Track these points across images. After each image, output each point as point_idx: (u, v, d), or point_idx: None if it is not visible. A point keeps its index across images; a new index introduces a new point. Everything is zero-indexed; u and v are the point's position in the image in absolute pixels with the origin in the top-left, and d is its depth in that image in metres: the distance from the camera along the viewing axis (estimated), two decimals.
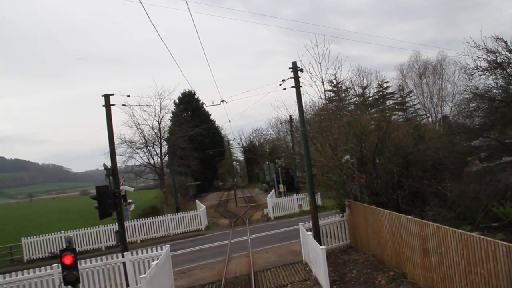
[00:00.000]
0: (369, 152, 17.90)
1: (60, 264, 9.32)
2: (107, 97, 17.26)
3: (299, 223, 18.73)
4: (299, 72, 18.09)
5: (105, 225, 29.04)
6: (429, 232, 11.06)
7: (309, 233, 16.19)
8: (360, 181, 18.66)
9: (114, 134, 17.34)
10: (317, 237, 17.29)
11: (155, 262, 13.25)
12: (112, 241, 28.78)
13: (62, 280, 9.20)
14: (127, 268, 15.65)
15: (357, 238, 17.68)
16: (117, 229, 17.39)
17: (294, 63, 18.06)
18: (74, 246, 9.45)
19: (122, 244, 16.79)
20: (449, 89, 53.94)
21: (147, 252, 16.22)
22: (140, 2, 9.73)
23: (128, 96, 18.14)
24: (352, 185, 19.13)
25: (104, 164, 16.28)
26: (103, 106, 17.24)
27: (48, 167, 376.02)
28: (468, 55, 21.74)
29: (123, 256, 15.85)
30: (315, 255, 14.40)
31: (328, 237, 18.66)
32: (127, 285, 15.62)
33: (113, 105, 17.39)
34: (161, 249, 16.00)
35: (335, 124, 19.87)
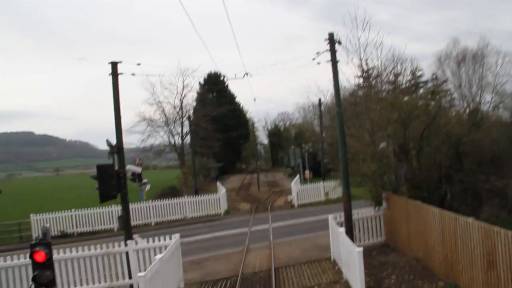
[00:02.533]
0: (413, 140, 15.56)
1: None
2: (114, 64, 15.26)
3: (328, 215, 16.56)
4: (336, 45, 15.69)
5: (118, 205, 27.36)
6: (499, 241, 8.75)
7: (341, 229, 13.99)
8: (401, 172, 16.37)
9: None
10: (350, 233, 15.06)
11: (159, 256, 11.26)
12: None
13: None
14: (131, 259, 13.79)
15: (396, 236, 15.41)
16: (121, 213, 15.39)
17: (331, 34, 15.62)
18: (49, 240, 7.43)
19: (126, 231, 14.85)
20: (489, 78, 50.80)
21: (158, 240, 14.31)
22: None
23: (139, 64, 16.03)
24: (390, 176, 16.83)
25: (107, 140, 14.26)
26: (110, 74, 15.26)
27: (75, 143, 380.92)
28: None
29: (126, 245, 13.96)
30: (348, 256, 12.23)
31: (361, 232, 16.45)
32: (130, 277, 13.79)
33: (121, 73, 15.40)
34: (170, 239, 14.05)
35: (375, 106, 17.46)
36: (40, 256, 7.20)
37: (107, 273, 13.95)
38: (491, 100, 48.77)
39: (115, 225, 27.37)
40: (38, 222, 26.32)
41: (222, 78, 76.50)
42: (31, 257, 7.24)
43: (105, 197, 13.72)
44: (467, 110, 49.80)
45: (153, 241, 14.35)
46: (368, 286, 11.67)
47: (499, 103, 45.43)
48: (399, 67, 45.34)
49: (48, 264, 7.27)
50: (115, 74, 15.50)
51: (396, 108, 15.39)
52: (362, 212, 16.70)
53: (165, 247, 13.45)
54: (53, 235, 26.15)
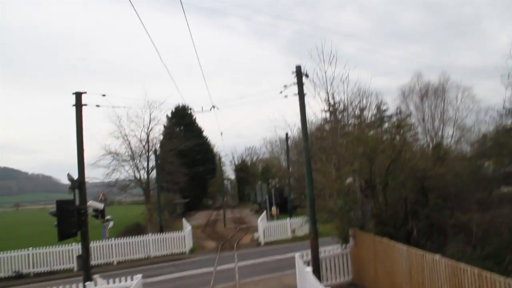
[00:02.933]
0: (379, 175, 15.50)
1: None
2: (78, 95, 14.86)
3: (295, 253, 16.22)
4: (303, 78, 15.71)
5: (78, 243, 26.24)
6: (466, 279, 8.60)
7: (308, 268, 13.63)
8: (367, 208, 16.23)
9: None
10: (317, 272, 14.70)
11: None
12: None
13: None
14: None
15: (363, 275, 15.12)
16: (81, 252, 14.68)
17: (298, 67, 15.66)
18: None
19: (85, 272, 14.12)
20: (450, 113, 52.27)
21: (119, 281, 13.60)
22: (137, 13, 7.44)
23: (104, 95, 15.61)
24: (356, 212, 16.67)
25: (68, 174, 13.69)
26: (73, 105, 14.80)
27: (38, 177, 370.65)
28: None
29: (84, 287, 13.22)
30: None
31: (328, 271, 16.10)
32: None
33: (85, 105, 14.96)
34: (132, 280, 13.40)
35: (342, 141, 17.44)
36: None
37: None
38: (453, 134, 50.00)
39: (75, 264, 26.14)
40: None
41: (189, 111, 76.23)
42: None
43: (64, 235, 13.11)
44: (431, 145, 50.92)
45: (114, 282, 13.66)
46: None
47: (461, 137, 46.46)
48: (364, 101, 46.12)
49: None
50: (79, 105, 15.08)
51: (362, 142, 15.36)
52: (329, 250, 16.39)
53: None
54: (6, 276, 24.88)
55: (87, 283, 13.52)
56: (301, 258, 15.10)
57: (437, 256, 9.91)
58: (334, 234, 17.68)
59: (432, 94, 53.54)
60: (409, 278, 11.27)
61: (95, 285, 13.69)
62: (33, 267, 25.83)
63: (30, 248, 26.00)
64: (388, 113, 58.89)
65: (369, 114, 57.60)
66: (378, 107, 59.56)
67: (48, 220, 18.33)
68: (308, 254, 15.68)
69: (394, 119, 60.26)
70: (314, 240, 15.52)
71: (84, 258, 14.39)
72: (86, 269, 14.40)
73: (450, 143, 45.88)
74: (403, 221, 15.12)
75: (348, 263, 16.35)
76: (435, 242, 14.45)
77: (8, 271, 25.08)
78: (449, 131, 50.74)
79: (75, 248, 25.70)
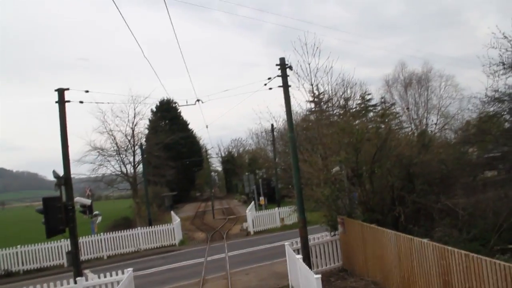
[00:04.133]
0: (365, 163, 15.70)
1: None
2: (61, 92, 14.74)
3: (285, 241, 16.46)
4: (287, 70, 15.81)
5: (67, 239, 26.15)
6: (453, 261, 8.84)
7: (298, 255, 13.84)
8: (354, 195, 16.46)
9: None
10: (307, 259, 14.93)
11: None
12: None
13: None
14: None
15: (352, 260, 15.38)
16: (70, 249, 14.69)
17: (282, 59, 15.76)
18: None
19: (75, 268, 14.15)
20: (434, 101, 52.86)
21: (110, 275, 13.65)
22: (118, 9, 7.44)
23: (87, 91, 15.51)
24: (344, 200, 16.89)
25: (53, 171, 13.64)
26: (56, 102, 14.71)
27: (23, 174, 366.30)
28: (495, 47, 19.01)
29: (75, 282, 13.26)
30: (306, 283, 12.04)
31: (318, 257, 16.33)
32: None
33: (68, 101, 14.87)
34: (122, 273, 13.48)
35: (327, 131, 17.59)
36: None
37: None
38: (437, 121, 50.55)
39: (65, 260, 26.07)
40: None
41: (174, 105, 76.05)
42: None
43: (52, 232, 13.08)
44: (416, 132, 51.42)
45: (105, 276, 13.69)
46: None
47: (445, 125, 47.01)
48: (349, 91, 46.33)
49: None
50: (62, 101, 14.97)
51: (347, 132, 15.53)
52: (318, 238, 16.62)
53: (118, 283, 12.90)
54: None
55: (78, 278, 13.56)
56: (291, 246, 15.29)
57: (425, 240, 10.15)
58: (322, 222, 17.91)
59: (416, 83, 54.14)
60: (398, 262, 11.52)
61: (86, 280, 13.74)
62: (23, 264, 25.69)
63: (19, 246, 25.83)
64: (373, 102, 59.46)
65: (354, 104, 58.11)
66: (363, 97, 60.05)
67: (35, 217, 18.29)
68: (297, 242, 15.90)
69: (379, 108, 60.91)
70: (303, 228, 15.71)
71: (74, 254, 14.39)
72: (76, 265, 14.42)
73: (435, 130, 46.44)
74: (390, 207, 15.37)
75: (337, 250, 16.60)
76: (422, 226, 14.77)
77: None
78: (433, 119, 51.33)
79: (64, 244, 25.61)
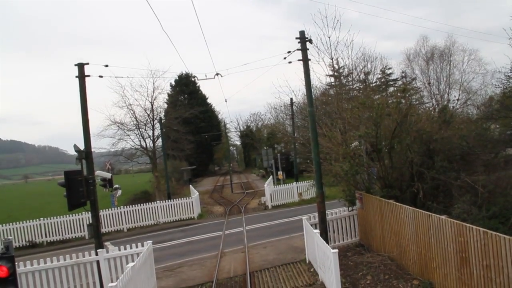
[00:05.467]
0: (385, 138, 15.54)
1: None
2: (81, 66, 14.81)
3: (302, 216, 16.53)
4: (307, 43, 15.59)
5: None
6: (471, 238, 8.76)
7: (316, 230, 13.90)
8: (373, 171, 16.36)
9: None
10: (324, 234, 14.98)
11: (131, 264, 10.94)
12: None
13: None
14: (102, 268, 13.36)
15: (370, 236, 15.39)
16: (91, 221, 14.96)
17: (302, 33, 15.53)
18: (12, 253, 7.06)
19: (96, 240, 14.44)
20: (456, 76, 51.82)
21: (130, 247, 13.89)
22: None
23: (107, 66, 15.57)
24: (362, 176, 16.81)
25: (75, 145, 13.79)
26: (76, 77, 14.79)
27: (44, 149, 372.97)
28: None
29: (96, 254, 13.54)
30: (323, 258, 12.13)
31: (335, 232, 16.37)
32: (101, 287, 13.35)
33: (88, 76, 14.95)
34: (142, 246, 13.72)
35: (347, 105, 17.41)
36: (3, 272, 6.83)
37: (77, 284, 13.46)
38: (459, 97, 49.68)
39: (86, 232, 26.59)
40: (5, 233, 25.44)
41: (193, 79, 75.95)
42: None
43: (73, 205, 13.27)
44: (437, 108, 50.65)
45: (125, 248, 13.92)
46: (344, 287, 11.60)
47: (467, 100, 46.23)
48: (369, 65, 45.79)
49: (11, 279, 6.92)
50: (82, 76, 15.06)
51: (367, 107, 15.34)
52: (336, 212, 16.61)
53: (137, 255, 13.11)
54: (21, 245, 25.45)
55: (99, 250, 13.84)
56: (308, 221, 15.33)
57: (443, 217, 10.07)
58: (340, 197, 17.91)
59: (438, 57, 52.98)
60: (416, 238, 11.49)
61: (107, 252, 14.01)
62: (46, 236, 26.39)
63: (42, 218, 26.46)
64: (393, 77, 58.55)
65: (374, 78, 57.42)
66: (383, 71, 59.21)
67: (57, 190, 18.62)
68: (315, 217, 15.92)
69: (399, 83, 60.03)
70: (321, 203, 15.71)
71: (95, 226, 14.66)
72: (97, 237, 14.69)
73: (456, 106, 45.73)
74: (409, 183, 15.24)
75: (355, 225, 16.61)
76: (441, 203, 14.63)
77: (22, 241, 25.69)
78: (455, 94, 50.45)
79: (86, 217, 26.22)
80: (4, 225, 25.71)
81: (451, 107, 30.69)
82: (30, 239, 25.85)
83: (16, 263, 7.52)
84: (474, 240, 8.68)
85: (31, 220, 26.28)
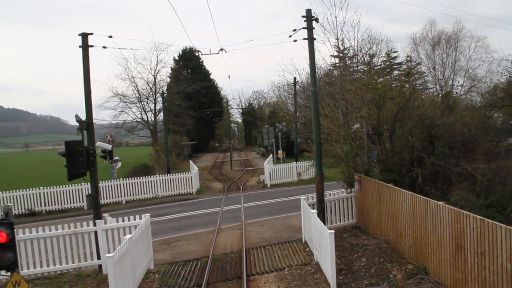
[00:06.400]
0: (387, 121, 15.48)
1: None
2: (84, 36, 14.62)
3: (300, 196, 16.57)
4: (313, 22, 15.40)
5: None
6: (468, 225, 8.78)
7: (313, 210, 13.96)
8: (373, 154, 16.35)
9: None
10: (322, 214, 15.03)
11: (128, 236, 11.02)
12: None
13: None
14: (99, 238, 13.45)
15: (366, 218, 15.47)
16: (90, 192, 15.00)
17: (309, 11, 15.32)
18: (12, 220, 7.10)
19: (95, 211, 14.49)
20: (462, 62, 51.42)
21: (128, 219, 13.99)
22: None
23: (110, 37, 15.44)
24: (362, 158, 16.81)
25: (76, 116, 13.72)
26: (80, 47, 14.64)
27: (46, 118, 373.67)
28: None
29: (94, 224, 13.62)
30: (320, 238, 12.20)
31: (333, 213, 16.45)
32: (98, 257, 13.47)
33: (91, 46, 14.78)
34: (140, 218, 13.81)
35: (350, 87, 17.29)
36: (2, 237, 6.89)
37: (75, 253, 13.56)
38: (463, 83, 49.40)
39: (85, 203, 26.78)
40: (4, 200, 25.58)
41: (197, 54, 75.41)
42: None
43: (73, 175, 13.26)
44: (440, 94, 50.38)
45: (123, 220, 14.01)
46: (338, 268, 11.68)
47: (471, 87, 45.94)
48: (374, 48, 45.37)
49: (10, 245, 6.98)
50: (85, 46, 14.88)
51: (371, 89, 15.23)
52: (334, 194, 16.67)
53: (135, 227, 13.22)
54: (20, 213, 25.61)
55: (97, 221, 13.91)
56: (306, 201, 15.38)
57: (440, 203, 10.09)
58: (339, 179, 17.92)
59: (444, 42, 52.49)
60: (412, 223, 11.53)
61: (105, 223, 14.08)
62: (45, 205, 26.53)
63: (42, 187, 26.58)
64: (398, 60, 58.03)
65: (379, 61, 56.93)
66: (388, 55, 58.72)
67: (58, 160, 18.67)
68: (313, 197, 15.97)
69: (404, 67, 59.57)
70: (319, 183, 15.74)
71: (94, 197, 14.67)
72: (95, 208, 14.74)
73: (460, 92, 45.50)
74: (409, 168, 15.24)
75: (352, 207, 16.69)
76: (439, 189, 14.65)
77: (21, 209, 25.83)
78: (459, 80, 50.15)
79: (85, 187, 26.32)
80: (3, 192, 25.82)
81: (455, 93, 30.49)
82: (30, 208, 25.98)
83: (15, 230, 7.58)
84: (470, 227, 8.70)
85: (30, 189, 26.40)
